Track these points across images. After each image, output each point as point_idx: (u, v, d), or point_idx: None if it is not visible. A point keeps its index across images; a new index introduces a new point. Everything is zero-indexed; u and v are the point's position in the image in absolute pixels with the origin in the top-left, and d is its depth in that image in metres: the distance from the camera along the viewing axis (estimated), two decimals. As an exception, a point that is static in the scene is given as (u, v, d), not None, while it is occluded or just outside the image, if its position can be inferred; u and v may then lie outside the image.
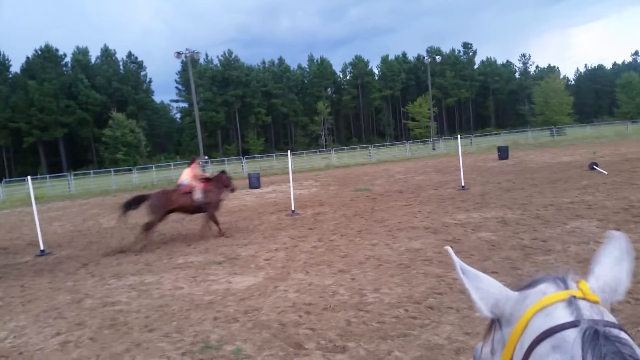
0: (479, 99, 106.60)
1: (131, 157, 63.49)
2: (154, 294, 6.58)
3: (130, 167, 39.70)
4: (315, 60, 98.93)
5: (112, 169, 37.17)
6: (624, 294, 0.84)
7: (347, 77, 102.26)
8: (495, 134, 57.18)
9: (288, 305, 5.58)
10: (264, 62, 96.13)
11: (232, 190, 11.81)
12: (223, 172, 11.70)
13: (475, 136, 50.08)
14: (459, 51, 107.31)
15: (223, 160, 44.40)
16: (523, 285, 0.89)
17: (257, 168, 35.91)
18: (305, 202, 15.03)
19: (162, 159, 68.52)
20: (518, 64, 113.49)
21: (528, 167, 20.41)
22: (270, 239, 9.76)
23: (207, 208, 10.72)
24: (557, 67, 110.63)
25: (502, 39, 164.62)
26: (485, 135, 54.73)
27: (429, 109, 63.58)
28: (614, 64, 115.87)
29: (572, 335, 0.72)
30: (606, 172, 15.16)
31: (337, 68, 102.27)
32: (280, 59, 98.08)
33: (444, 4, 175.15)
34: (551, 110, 68.66)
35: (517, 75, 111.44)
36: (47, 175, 37.75)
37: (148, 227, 10.27)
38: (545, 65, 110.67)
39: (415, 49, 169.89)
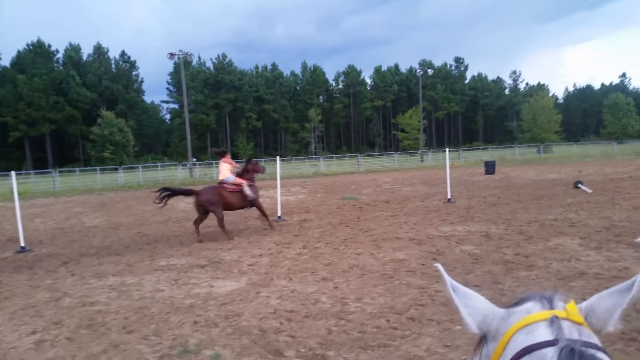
0: (468, 113, 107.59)
1: (118, 156, 62.90)
2: (134, 296, 6.50)
3: (116, 167, 39.31)
4: (308, 68, 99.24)
5: (98, 168, 36.80)
6: (613, 326, 0.85)
7: (340, 86, 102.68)
8: (483, 148, 57.74)
9: (269, 311, 5.55)
10: (257, 67, 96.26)
11: (263, 171, 12.26)
12: (249, 160, 12.03)
13: (463, 150, 50.52)
14: (451, 65, 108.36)
15: (211, 163, 44.13)
16: (511, 303, 0.92)
17: (246, 172, 35.76)
18: (292, 209, 15.01)
19: (150, 160, 67.98)
20: (508, 81, 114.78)
21: (514, 182, 20.61)
22: (254, 244, 9.71)
23: (255, 204, 11.26)
24: (547, 85, 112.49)
25: (493, 55, 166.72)
26: (473, 149, 55.21)
27: (419, 121, 64.00)
28: (602, 84, 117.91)
29: (549, 354, 0.75)
30: (590, 191, 15.36)
31: (330, 76, 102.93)
32: (274, 65, 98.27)
33: (438, 19, 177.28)
34: (539, 128, 69.53)
35: (506, 91, 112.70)
36: (32, 171, 37.23)
37: (220, 224, 10.65)
38: (535, 83, 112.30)
39: (408, 61, 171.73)
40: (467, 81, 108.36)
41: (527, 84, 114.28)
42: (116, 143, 64.16)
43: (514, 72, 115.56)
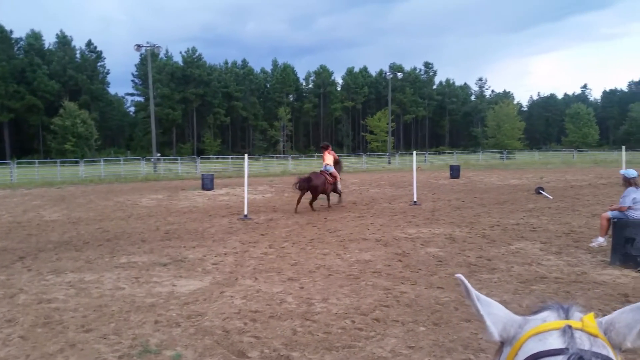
0: (435, 117, 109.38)
1: (80, 148, 60.91)
2: (93, 293, 6.31)
3: (77, 159, 38.13)
4: (279, 66, 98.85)
5: (58, 160, 35.60)
6: (632, 343, 0.85)
7: (310, 86, 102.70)
8: (449, 153, 58.88)
9: (233, 311, 5.48)
10: (226, 63, 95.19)
11: (341, 169, 15.59)
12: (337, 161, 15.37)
13: (429, 153, 51.31)
14: (420, 70, 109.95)
15: (176, 159, 43.38)
16: (530, 311, 0.95)
17: (212, 169, 35.31)
18: (259, 207, 14.91)
19: (112, 153, 66.23)
20: (475, 87, 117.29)
21: (477, 187, 21.07)
22: (219, 242, 9.59)
23: (336, 192, 14.73)
24: (512, 93, 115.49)
25: (461, 61, 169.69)
26: (439, 153, 56.23)
27: (387, 124, 64.65)
28: (565, 94, 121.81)
29: None
30: (551, 197, 15.85)
31: (301, 75, 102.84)
32: (244, 61, 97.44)
33: (410, 24, 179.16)
34: (503, 134, 71.35)
35: (473, 98, 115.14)
36: (-13, 162, 35.66)
37: (312, 201, 14.00)
38: (501, 91, 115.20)
39: (379, 64, 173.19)
40: (435, 86, 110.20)
41: (492, 91, 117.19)
42: (78, 135, 62.07)
43: (481, 79, 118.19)
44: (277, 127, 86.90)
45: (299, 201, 13.83)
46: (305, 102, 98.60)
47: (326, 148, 15.07)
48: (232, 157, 45.23)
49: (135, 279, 6.96)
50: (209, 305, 5.71)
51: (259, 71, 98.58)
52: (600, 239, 8.29)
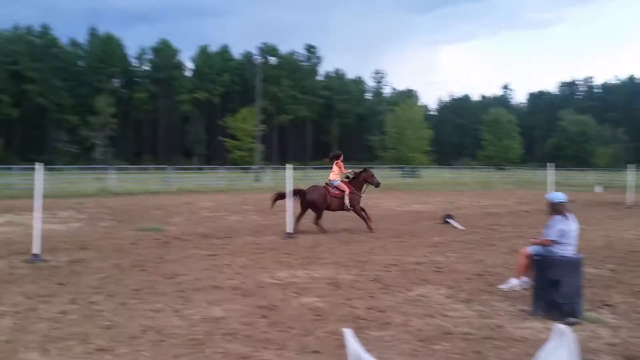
0: (321, 120, 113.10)
1: None
2: None
3: None
4: (99, 37, 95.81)
5: None
6: None
7: (146, 67, 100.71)
8: (338, 167, 60.85)
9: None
10: (16, 28, 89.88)
11: (377, 185, 17.92)
12: (366, 169, 17.86)
13: (313, 167, 52.64)
14: (301, 55, 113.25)
15: None
16: None
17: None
18: (59, 243, 14.16)
19: None
20: (371, 82, 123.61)
21: (371, 213, 21.90)
22: (-7, 296, 8.85)
23: (354, 210, 16.68)
24: (417, 92, 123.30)
25: (354, 47, 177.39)
26: (325, 168, 58.01)
27: (255, 126, 65.27)
28: (483, 97, 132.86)
29: None
30: (462, 228, 17.04)
31: (133, 52, 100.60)
32: (45, 27, 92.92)
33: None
34: (405, 145, 75.67)
35: (368, 96, 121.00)
36: None
37: (317, 220, 16.37)
38: (404, 89, 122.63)
39: (245, 44, 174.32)
40: (320, 78, 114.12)
41: (393, 88, 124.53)
42: None
43: (378, 72, 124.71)
44: (93, 124, 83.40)
45: (298, 219, 16.21)
46: (137, 91, 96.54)
47: (336, 158, 17.07)
48: (20, 168, 42.31)
49: None
50: (-33, 394, 5.20)
51: (67, 43, 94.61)
52: (514, 281, 8.99)
